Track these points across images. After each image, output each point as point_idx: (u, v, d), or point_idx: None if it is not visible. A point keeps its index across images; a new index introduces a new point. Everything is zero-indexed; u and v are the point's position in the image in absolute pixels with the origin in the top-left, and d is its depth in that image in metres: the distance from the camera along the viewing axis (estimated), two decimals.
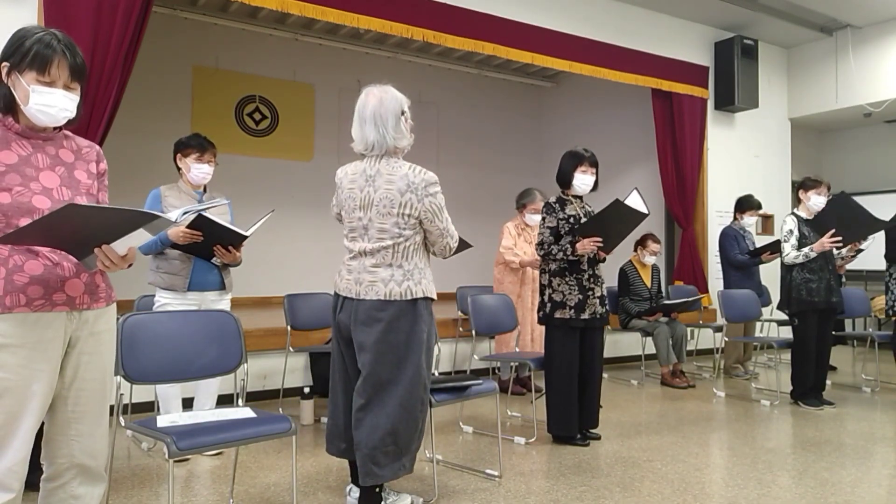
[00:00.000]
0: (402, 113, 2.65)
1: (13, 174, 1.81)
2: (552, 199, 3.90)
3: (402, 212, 2.57)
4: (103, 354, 1.98)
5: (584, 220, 3.83)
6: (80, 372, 1.92)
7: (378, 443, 2.57)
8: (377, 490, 2.68)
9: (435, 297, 2.72)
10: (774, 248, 5.61)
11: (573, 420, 3.80)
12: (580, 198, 3.94)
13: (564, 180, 3.89)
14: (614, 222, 3.74)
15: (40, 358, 1.82)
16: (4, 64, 1.83)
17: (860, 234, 4.80)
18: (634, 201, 3.72)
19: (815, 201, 4.80)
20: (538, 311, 3.93)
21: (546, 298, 3.85)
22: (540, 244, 3.83)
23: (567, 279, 3.80)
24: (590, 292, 3.82)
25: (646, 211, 3.74)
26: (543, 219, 3.86)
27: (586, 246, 3.69)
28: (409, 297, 2.59)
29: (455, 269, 8.18)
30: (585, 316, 3.78)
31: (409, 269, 2.62)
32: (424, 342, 2.65)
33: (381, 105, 2.61)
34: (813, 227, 4.69)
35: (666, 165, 7.35)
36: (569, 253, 3.72)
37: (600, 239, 3.70)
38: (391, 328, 2.58)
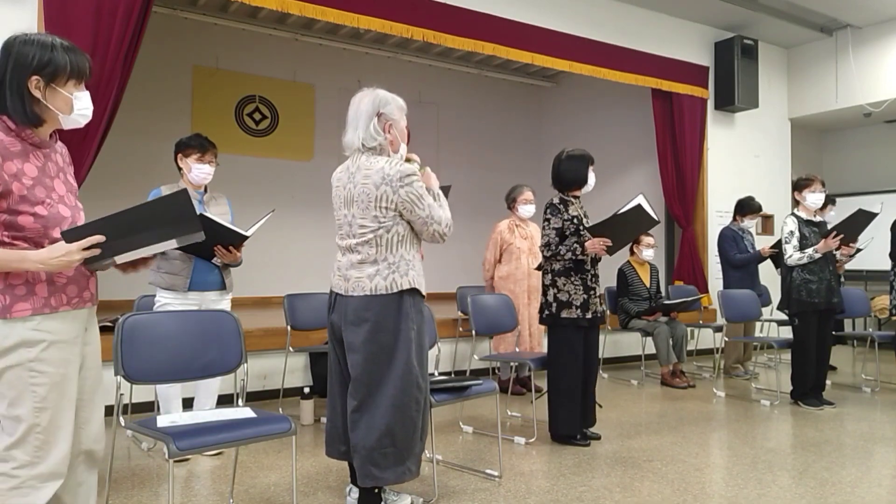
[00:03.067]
0: (379, 115, 2.62)
1: (39, 186, 1.88)
2: (556, 200, 3.89)
3: (380, 205, 2.56)
4: (97, 344, 2.11)
5: (585, 220, 3.85)
6: (86, 361, 2.03)
7: (375, 444, 2.55)
8: (377, 490, 2.68)
9: (422, 290, 2.68)
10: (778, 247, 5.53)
11: (577, 418, 3.81)
12: (577, 197, 3.95)
13: (576, 181, 3.89)
14: (625, 226, 3.77)
15: (74, 351, 1.96)
16: (37, 79, 1.85)
17: (858, 230, 4.79)
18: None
19: (812, 199, 4.80)
20: (541, 312, 3.93)
21: (551, 298, 3.85)
22: (546, 245, 3.83)
23: (573, 279, 3.80)
24: (592, 291, 3.84)
25: (657, 218, 3.77)
26: (548, 220, 3.85)
27: (595, 246, 3.71)
28: (394, 290, 2.57)
29: (455, 269, 8.21)
30: (590, 315, 3.80)
31: (393, 262, 2.60)
32: (414, 340, 2.62)
33: (358, 107, 2.65)
34: (827, 236, 4.68)
35: (666, 165, 7.35)
36: (577, 252, 3.73)
37: (609, 241, 3.72)
38: (378, 328, 2.56)
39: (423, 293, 2.70)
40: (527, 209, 5.19)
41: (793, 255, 4.73)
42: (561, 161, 3.92)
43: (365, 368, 2.57)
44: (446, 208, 2.72)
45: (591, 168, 3.90)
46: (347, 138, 2.67)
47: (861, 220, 4.71)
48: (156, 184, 3.64)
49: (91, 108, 1.96)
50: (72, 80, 1.89)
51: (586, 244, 3.72)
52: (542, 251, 3.88)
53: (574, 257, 3.76)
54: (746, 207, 6.18)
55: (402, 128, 2.71)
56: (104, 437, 2.10)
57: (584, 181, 3.88)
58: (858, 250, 5.52)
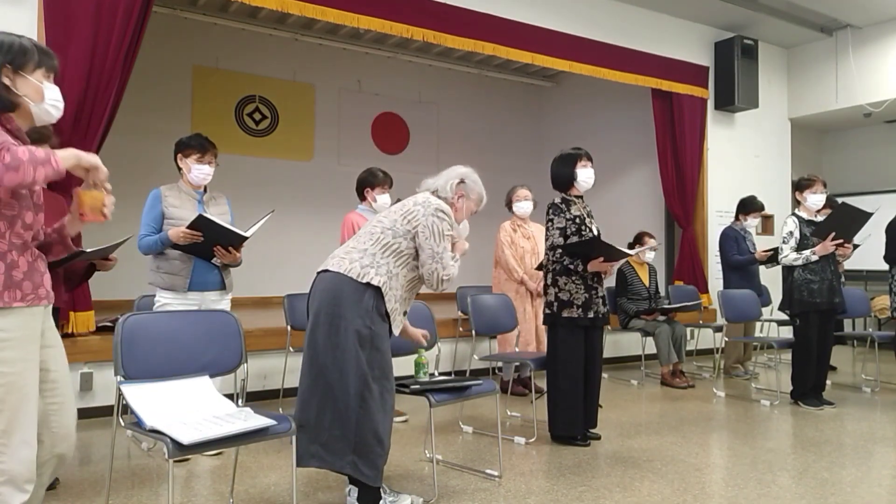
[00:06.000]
0: (462, 181, 2.91)
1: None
2: (557, 200, 3.88)
3: (406, 216, 2.71)
4: (60, 347, 2.07)
5: (588, 220, 3.87)
6: (51, 364, 1.99)
7: (327, 425, 2.58)
8: (376, 489, 2.67)
9: (389, 308, 2.64)
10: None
11: (578, 419, 3.80)
12: (580, 197, 3.94)
13: (567, 181, 3.88)
14: (609, 252, 3.82)
15: (32, 350, 1.90)
16: (5, 67, 1.85)
17: (854, 230, 4.78)
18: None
19: (813, 200, 4.81)
20: (543, 311, 3.93)
21: (552, 298, 3.85)
22: (552, 248, 3.83)
23: (573, 278, 3.80)
24: (594, 291, 3.83)
25: (646, 260, 3.81)
26: (551, 220, 3.84)
27: (596, 266, 3.76)
28: (362, 280, 2.59)
29: None
30: (591, 315, 3.80)
31: (377, 262, 2.64)
32: (367, 338, 2.60)
33: (454, 167, 2.98)
34: (816, 234, 4.69)
35: (666, 165, 7.35)
36: (580, 269, 3.76)
37: (609, 265, 3.81)
38: (333, 310, 2.59)
39: (389, 318, 2.66)
40: (521, 206, 5.16)
41: (789, 255, 4.74)
42: (552, 164, 3.95)
43: (317, 347, 2.61)
44: (456, 268, 2.79)
45: (580, 164, 3.86)
46: (428, 181, 2.94)
47: (851, 216, 4.65)
48: (156, 184, 3.64)
49: (62, 101, 1.96)
50: (40, 68, 1.89)
51: (589, 265, 3.75)
52: (548, 254, 3.88)
53: (576, 271, 3.77)
54: (749, 206, 6.18)
55: (469, 208, 2.95)
56: (74, 439, 2.08)
57: (572, 180, 3.88)
58: (856, 246, 5.52)
